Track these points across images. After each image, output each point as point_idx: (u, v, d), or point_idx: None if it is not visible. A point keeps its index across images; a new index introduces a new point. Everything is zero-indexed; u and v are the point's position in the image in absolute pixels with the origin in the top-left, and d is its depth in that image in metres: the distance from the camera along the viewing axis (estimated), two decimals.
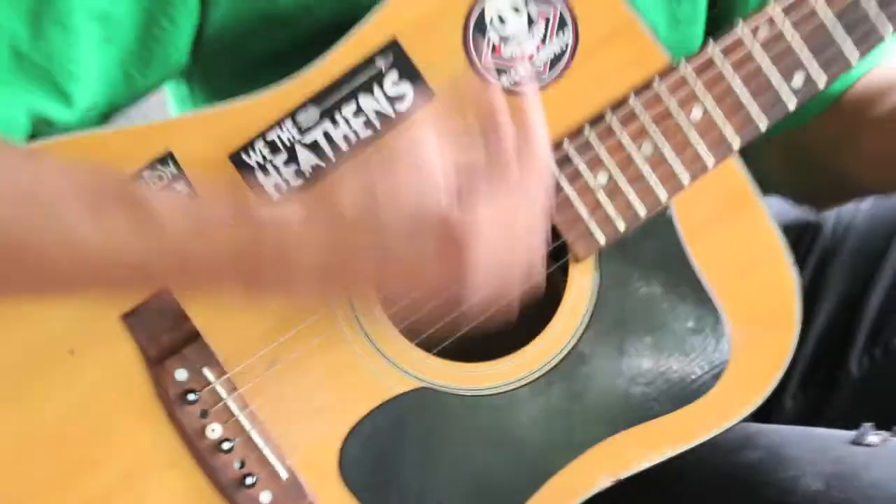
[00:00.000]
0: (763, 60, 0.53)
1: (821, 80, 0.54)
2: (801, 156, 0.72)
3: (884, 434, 0.56)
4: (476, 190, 0.45)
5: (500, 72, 0.53)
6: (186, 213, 0.46)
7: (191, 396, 0.50)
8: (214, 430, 0.50)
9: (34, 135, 0.52)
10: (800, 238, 0.75)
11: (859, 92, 0.68)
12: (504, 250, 0.46)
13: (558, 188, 0.52)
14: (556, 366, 0.54)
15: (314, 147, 0.52)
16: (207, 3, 0.52)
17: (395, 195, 0.44)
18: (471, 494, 0.54)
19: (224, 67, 0.58)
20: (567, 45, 0.53)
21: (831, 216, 0.78)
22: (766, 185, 0.60)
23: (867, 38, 0.55)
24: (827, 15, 0.53)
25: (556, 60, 0.53)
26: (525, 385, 0.53)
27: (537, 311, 0.53)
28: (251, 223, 0.46)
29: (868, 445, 0.56)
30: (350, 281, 0.49)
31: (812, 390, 0.73)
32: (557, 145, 0.52)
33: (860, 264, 0.73)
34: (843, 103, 0.68)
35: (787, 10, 0.53)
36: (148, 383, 0.50)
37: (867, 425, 0.58)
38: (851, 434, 0.57)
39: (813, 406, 0.72)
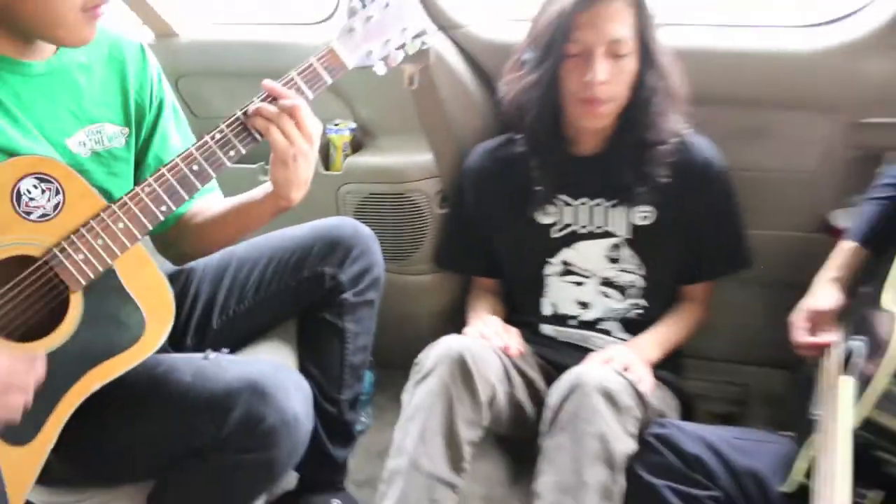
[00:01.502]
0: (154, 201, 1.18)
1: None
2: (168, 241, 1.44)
3: (211, 353, 1.28)
4: None
5: None
6: None
7: None
8: None
9: None
10: None
11: (189, 213, 1.42)
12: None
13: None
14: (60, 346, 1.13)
15: None
16: None
17: None
18: None
19: None
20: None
21: None
22: None
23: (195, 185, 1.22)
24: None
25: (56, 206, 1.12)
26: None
27: (52, 320, 1.12)
28: None
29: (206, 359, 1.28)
30: None
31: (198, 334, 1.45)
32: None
33: None
34: (182, 218, 1.42)
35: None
36: None
37: (209, 352, 1.30)
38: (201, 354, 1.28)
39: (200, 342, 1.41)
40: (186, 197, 1.18)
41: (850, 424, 1.16)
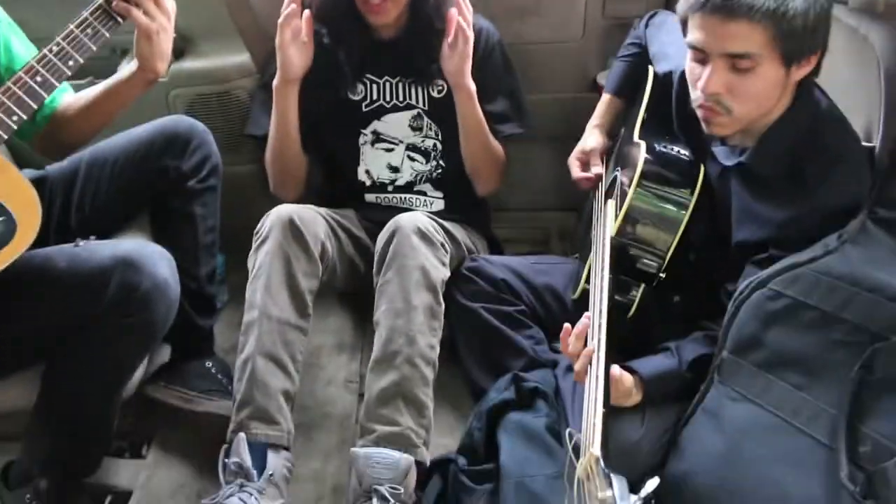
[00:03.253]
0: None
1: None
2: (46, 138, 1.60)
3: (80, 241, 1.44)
4: None
5: None
6: None
7: None
8: None
9: None
10: None
11: (62, 107, 1.58)
12: None
13: None
14: None
15: None
16: None
17: None
18: None
19: None
20: None
21: None
22: None
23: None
24: None
25: None
26: None
27: None
28: None
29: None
30: None
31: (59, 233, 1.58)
32: None
33: None
34: (55, 113, 1.57)
35: None
36: None
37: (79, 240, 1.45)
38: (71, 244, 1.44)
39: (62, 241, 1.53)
40: (68, 72, 1.35)
41: (610, 234, 1.45)
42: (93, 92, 1.58)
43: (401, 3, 1.72)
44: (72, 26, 1.38)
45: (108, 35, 1.41)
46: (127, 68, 1.52)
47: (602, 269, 1.39)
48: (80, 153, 1.65)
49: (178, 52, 2.01)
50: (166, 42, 1.46)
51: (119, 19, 1.42)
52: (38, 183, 1.60)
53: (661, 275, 1.47)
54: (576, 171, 1.78)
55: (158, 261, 1.40)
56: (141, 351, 1.52)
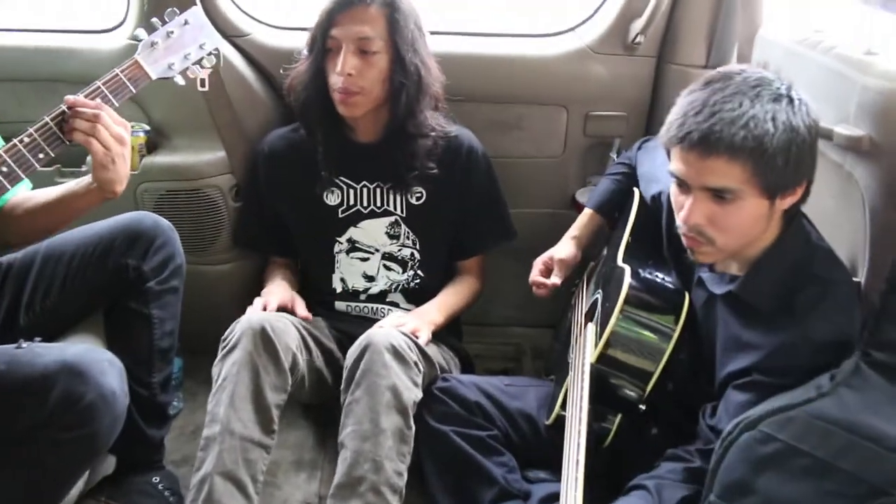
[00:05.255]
0: None
1: None
2: None
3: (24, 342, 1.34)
4: None
5: None
6: None
7: None
8: None
9: None
10: None
11: (8, 206, 1.50)
12: None
13: None
14: None
15: None
16: None
17: None
18: None
19: None
20: None
21: None
22: None
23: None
24: None
25: None
26: None
27: None
28: None
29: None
30: None
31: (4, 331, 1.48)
32: None
33: None
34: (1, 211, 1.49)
35: None
36: None
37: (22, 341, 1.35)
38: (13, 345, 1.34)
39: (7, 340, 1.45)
40: (23, 177, 1.29)
41: (590, 360, 1.40)
42: (44, 195, 1.51)
43: (371, 99, 1.69)
44: (15, 141, 1.31)
45: (52, 154, 1.35)
46: (84, 180, 1.45)
47: (581, 399, 1.32)
48: (35, 246, 1.57)
49: (152, 147, 1.97)
50: (123, 166, 1.40)
51: (66, 141, 1.36)
52: None
53: (642, 406, 1.41)
54: (534, 274, 1.75)
55: (107, 369, 1.31)
56: (81, 465, 1.41)
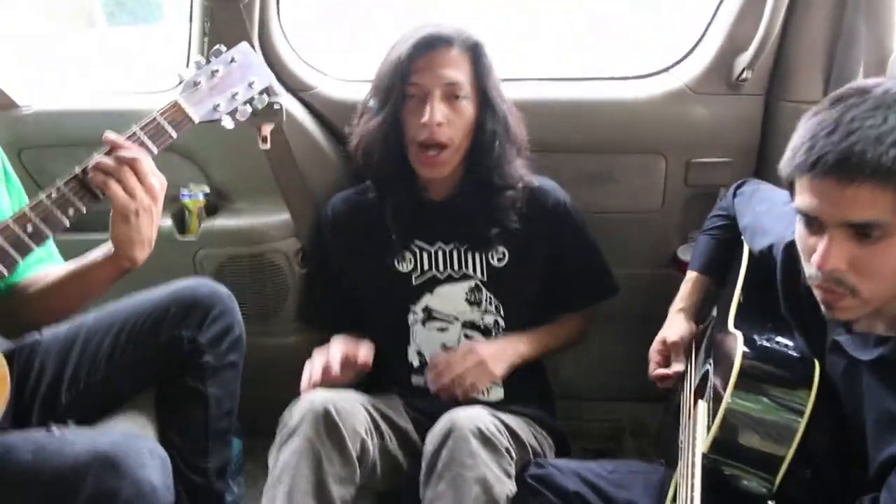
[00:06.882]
0: None
1: None
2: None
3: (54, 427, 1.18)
4: None
5: None
6: None
7: None
8: None
9: None
10: None
11: (23, 283, 1.36)
12: None
13: None
14: None
15: None
16: None
17: None
18: None
19: None
20: None
21: None
22: None
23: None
24: None
25: None
26: None
27: None
28: None
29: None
30: None
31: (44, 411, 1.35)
32: None
33: None
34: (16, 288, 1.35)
35: None
36: None
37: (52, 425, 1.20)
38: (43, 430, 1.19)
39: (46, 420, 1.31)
40: (19, 259, 1.11)
41: (701, 449, 1.19)
42: (58, 272, 1.35)
43: (458, 154, 1.55)
44: (42, 196, 1.16)
45: (83, 210, 1.18)
46: (100, 249, 1.28)
47: (691, 500, 1.13)
48: (82, 317, 1.43)
49: (212, 209, 1.88)
50: (148, 225, 1.21)
51: (99, 194, 1.18)
52: (28, 351, 1.40)
53: (771, 502, 1.18)
54: (653, 368, 1.55)
55: (146, 461, 1.16)
56: None
